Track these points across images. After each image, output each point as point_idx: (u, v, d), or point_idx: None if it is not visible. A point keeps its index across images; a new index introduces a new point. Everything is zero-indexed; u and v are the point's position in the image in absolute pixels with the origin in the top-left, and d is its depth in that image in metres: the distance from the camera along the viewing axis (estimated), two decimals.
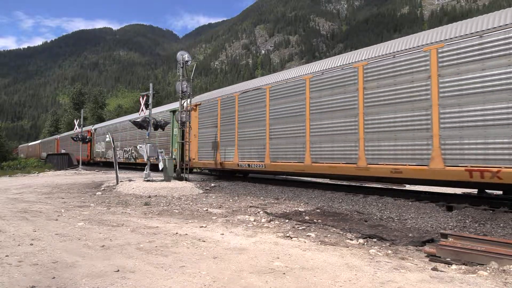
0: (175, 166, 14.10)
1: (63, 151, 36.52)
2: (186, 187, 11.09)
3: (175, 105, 17.59)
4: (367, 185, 11.85)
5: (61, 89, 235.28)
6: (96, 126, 32.51)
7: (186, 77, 13.87)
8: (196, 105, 15.02)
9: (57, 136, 45.69)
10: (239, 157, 12.45)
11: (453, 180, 6.93)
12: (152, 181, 12.01)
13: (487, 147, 6.32)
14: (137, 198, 9.57)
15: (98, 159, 29.12)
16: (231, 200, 9.09)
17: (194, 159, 14.81)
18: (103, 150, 27.99)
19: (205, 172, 18.24)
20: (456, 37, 6.87)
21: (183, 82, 13.71)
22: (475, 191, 8.78)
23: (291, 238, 5.04)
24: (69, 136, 38.07)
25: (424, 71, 7.30)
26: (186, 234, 5.16)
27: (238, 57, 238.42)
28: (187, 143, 14.22)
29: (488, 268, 3.56)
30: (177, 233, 5.20)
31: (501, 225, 5.73)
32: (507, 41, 6.20)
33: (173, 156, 16.56)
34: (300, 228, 5.76)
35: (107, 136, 22.78)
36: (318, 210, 7.58)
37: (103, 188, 11.77)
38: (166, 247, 4.41)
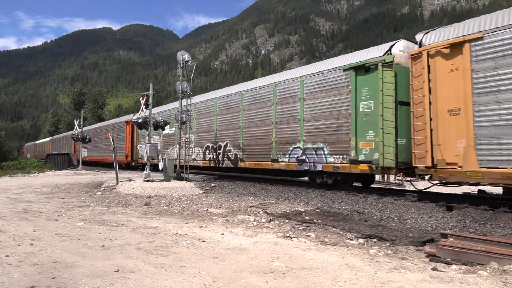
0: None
1: (83, 150, 28.74)
2: (186, 187, 11.09)
3: (354, 57, 9.51)
4: None
5: (61, 89, 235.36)
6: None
7: (186, 77, 13.88)
8: (461, 42, 7.00)
9: (74, 132, 38.28)
10: None
11: None
12: (152, 181, 12.00)
13: None
14: (137, 198, 9.57)
15: (144, 161, 20.26)
16: (231, 200, 9.09)
17: (457, 165, 6.97)
18: (158, 148, 19.64)
19: (203, 173, 18.04)
20: None
21: (183, 82, 13.71)
22: (475, 191, 8.80)
23: (291, 238, 5.04)
24: (91, 131, 30.64)
25: None
26: (186, 234, 5.16)
27: (238, 57, 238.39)
28: (187, 142, 14.14)
29: (488, 268, 3.57)
30: (177, 233, 5.20)
31: (501, 225, 5.73)
32: None
33: (359, 156, 8.74)
34: (300, 228, 5.76)
35: (164, 129, 16.23)
36: (318, 210, 7.58)
37: (103, 188, 11.77)
38: (166, 247, 4.41)
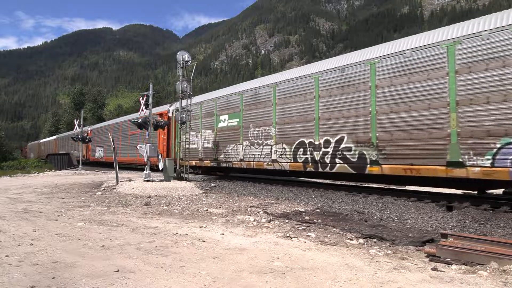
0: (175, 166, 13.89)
1: (99, 150, 25.10)
2: (186, 187, 11.10)
3: None
4: (367, 185, 11.85)
5: (61, 89, 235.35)
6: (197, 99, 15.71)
7: (186, 77, 13.88)
8: None
9: (88, 128, 32.06)
10: None
11: None
12: (152, 181, 12.01)
13: None
14: (137, 198, 9.57)
15: (197, 163, 15.04)
16: (231, 200, 9.09)
17: None
18: (210, 146, 14.08)
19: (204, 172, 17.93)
20: None
21: (183, 82, 13.71)
22: (475, 191, 8.78)
23: (291, 238, 5.04)
24: (109, 127, 26.40)
25: None
26: (186, 234, 5.16)
27: (238, 57, 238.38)
28: (187, 143, 14.11)
29: (488, 268, 3.56)
30: (177, 233, 5.20)
31: (501, 225, 5.73)
32: None
33: None
34: (300, 228, 5.76)
35: (220, 121, 12.89)
36: (318, 210, 7.58)
37: (103, 188, 11.77)
38: (166, 247, 4.41)
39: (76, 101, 60.36)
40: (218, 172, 15.62)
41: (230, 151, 12.96)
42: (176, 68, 14.47)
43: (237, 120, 12.79)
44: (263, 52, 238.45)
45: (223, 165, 13.28)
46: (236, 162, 12.62)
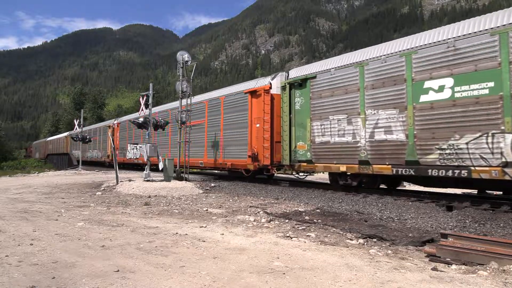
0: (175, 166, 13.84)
1: (132, 149, 16.73)
2: (186, 187, 11.09)
3: None
4: None
5: (61, 89, 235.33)
6: (314, 68, 10.48)
7: (186, 77, 13.87)
8: None
9: (114, 122, 26.27)
10: None
11: None
12: (152, 181, 12.01)
13: None
14: (137, 198, 9.57)
15: (351, 167, 9.05)
16: (231, 200, 9.09)
17: None
18: (395, 138, 8.07)
19: (203, 172, 17.93)
20: None
21: (183, 82, 13.71)
22: (475, 191, 8.79)
23: (291, 238, 5.04)
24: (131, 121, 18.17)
25: None
26: (186, 234, 5.16)
27: (238, 57, 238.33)
28: (187, 142, 14.10)
29: (488, 268, 3.56)
30: (177, 233, 5.20)
31: (501, 225, 5.73)
32: None
33: None
34: (300, 228, 5.76)
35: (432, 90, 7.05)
36: (318, 210, 7.58)
37: (103, 188, 11.77)
38: (166, 247, 4.41)
39: (76, 101, 60.45)
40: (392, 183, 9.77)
41: (460, 146, 7.03)
42: (176, 68, 14.47)
43: (490, 84, 6.71)
44: (263, 52, 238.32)
45: (434, 172, 7.41)
46: (486, 168, 6.65)
